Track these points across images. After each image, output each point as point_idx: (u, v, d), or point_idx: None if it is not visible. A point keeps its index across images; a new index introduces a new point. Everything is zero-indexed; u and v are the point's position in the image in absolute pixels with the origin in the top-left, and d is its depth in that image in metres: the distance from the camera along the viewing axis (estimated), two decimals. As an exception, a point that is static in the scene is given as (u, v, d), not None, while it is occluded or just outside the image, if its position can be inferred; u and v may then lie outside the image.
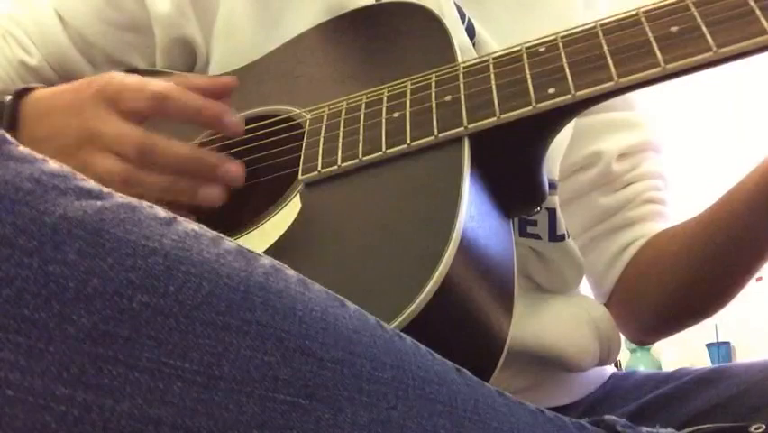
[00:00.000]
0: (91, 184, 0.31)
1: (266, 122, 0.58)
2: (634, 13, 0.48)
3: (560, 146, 0.67)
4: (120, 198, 0.31)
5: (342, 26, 0.63)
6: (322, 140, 0.52)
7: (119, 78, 0.53)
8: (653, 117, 0.77)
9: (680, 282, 0.68)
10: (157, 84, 0.52)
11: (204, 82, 0.57)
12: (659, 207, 0.74)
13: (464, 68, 0.51)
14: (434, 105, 0.50)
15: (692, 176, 2.23)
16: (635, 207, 0.73)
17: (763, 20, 0.43)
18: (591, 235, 0.74)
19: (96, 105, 0.51)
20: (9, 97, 0.55)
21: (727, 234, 0.64)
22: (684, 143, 2.40)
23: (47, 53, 0.71)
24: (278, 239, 0.49)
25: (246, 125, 0.59)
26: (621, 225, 0.72)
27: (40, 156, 0.31)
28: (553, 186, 0.64)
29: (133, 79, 0.53)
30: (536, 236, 0.64)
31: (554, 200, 0.64)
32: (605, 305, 0.74)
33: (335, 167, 0.50)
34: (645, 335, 0.76)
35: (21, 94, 0.55)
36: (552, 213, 0.64)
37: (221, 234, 0.33)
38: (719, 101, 2.67)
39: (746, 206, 0.61)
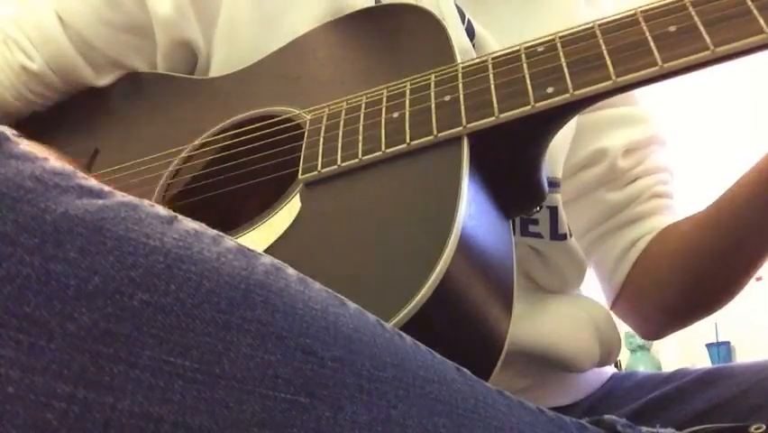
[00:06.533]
0: (92, 183, 0.31)
1: (266, 122, 0.58)
2: (632, 12, 0.48)
3: (562, 144, 0.67)
4: (121, 196, 0.31)
5: (343, 28, 0.63)
6: (322, 140, 0.53)
7: None
8: (657, 111, 0.76)
9: (684, 278, 0.68)
10: None
11: None
12: (667, 201, 0.73)
13: (463, 68, 0.52)
14: (433, 105, 0.50)
15: (697, 170, 2.23)
16: (642, 202, 0.72)
17: (760, 19, 0.43)
18: (600, 232, 0.73)
19: None
20: None
21: (728, 231, 0.64)
22: (689, 138, 2.40)
23: (48, 56, 0.71)
24: (278, 238, 0.49)
25: (247, 126, 0.59)
26: (630, 220, 0.72)
27: (41, 154, 0.31)
28: (554, 184, 0.64)
29: None
30: (538, 235, 0.64)
31: (556, 198, 0.64)
32: (614, 301, 0.74)
33: (335, 167, 0.50)
34: (654, 330, 0.76)
35: None
36: (553, 211, 0.64)
37: (221, 233, 0.33)
38: (721, 97, 2.68)
39: (747, 203, 0.61)
